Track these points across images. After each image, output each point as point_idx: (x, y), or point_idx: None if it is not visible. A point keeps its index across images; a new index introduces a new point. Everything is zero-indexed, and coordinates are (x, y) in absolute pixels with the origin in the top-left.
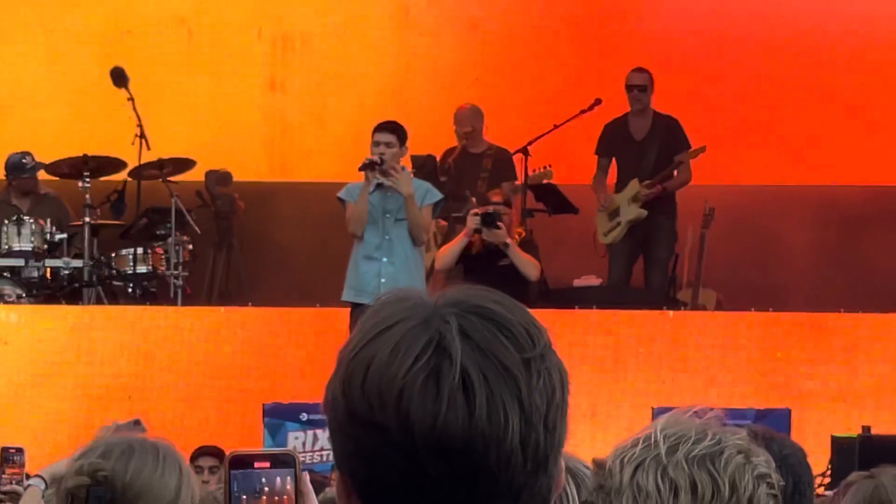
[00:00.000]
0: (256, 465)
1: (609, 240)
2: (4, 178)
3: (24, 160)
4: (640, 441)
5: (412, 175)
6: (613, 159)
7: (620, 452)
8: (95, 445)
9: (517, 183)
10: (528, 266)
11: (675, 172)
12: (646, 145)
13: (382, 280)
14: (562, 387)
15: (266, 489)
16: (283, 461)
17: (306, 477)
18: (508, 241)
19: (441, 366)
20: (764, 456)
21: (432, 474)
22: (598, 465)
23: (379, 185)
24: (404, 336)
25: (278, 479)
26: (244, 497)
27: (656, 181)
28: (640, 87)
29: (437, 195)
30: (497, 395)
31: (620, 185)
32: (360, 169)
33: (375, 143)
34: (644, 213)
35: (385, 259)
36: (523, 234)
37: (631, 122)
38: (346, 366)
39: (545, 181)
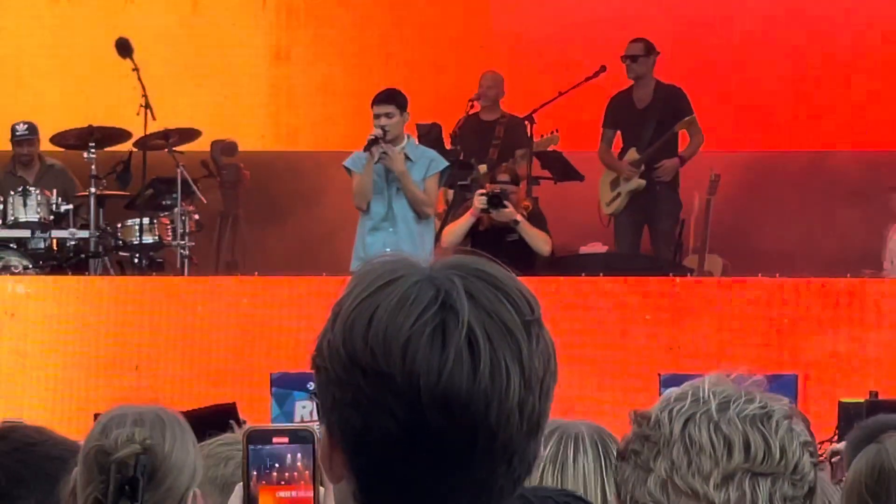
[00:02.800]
0: (275, 440)
1: (611, 210)
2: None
3: (17, 126)
4: (689, 396)
5: (417, 143)
6: (619, 132)
7: (666, 405)
8: (122, 413)
9: (527, 150)
10: (539, 241)
11: (688, 137)
12: (647, 114)
13: (388, 250)
14: (554, 357)
15: (283, 464)
16: (302, 437)
17: None
18: (518, 217)
19: (447, 321)
20: (803, 424)
21: (432, 427)
22: (643, 416)
23: (383, 154)
24: (409, 289)
25: (296, 455)
26: (259, 472)
27: (651, 152)
28: (631, 56)
29: (443, 163)
30: (500, 354)
31: (621, 155)
32: (365, 149)
33: (376, 116)
34: (643, 182)
35: (391, 229)
36: (530, 208)
37: (634, 92)
38: (347, 315)
39: (551, 147)
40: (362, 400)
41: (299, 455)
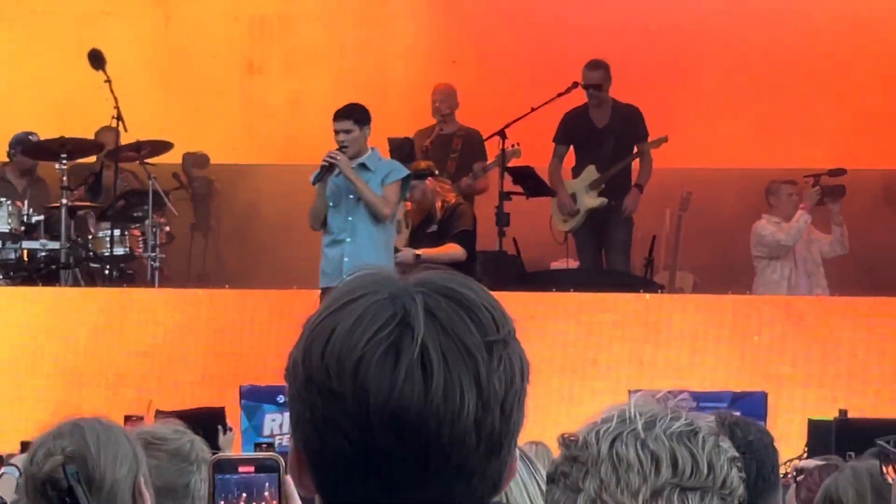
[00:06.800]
0: (241, 469)
1: (567, 227)
2: (7, 155)
3: (30, 136)
4: (615, 417)
5: (381, 156)
6: (571, 148)
7: (593, 426)
8: (42, 436)
9: (487, 163)
10: (451, 256)
11: (639, 163)
12: (605, 133)
13: (346, 259)
14: (521, 375)
15: (251, 495)
16: (268, 466)
17: (290, 481)
18: (417, 253)
19: (402, 340)
20: (728, 443)
21: (384, 447)
22: (570, 438)
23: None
24: (369, 308)
25: (264, 485)
26: (227, 502)
27: (611, 174)
28: (594, 86)
29: (402, 171)
30: (455, 374)
31: (578, 172)
32: (315, 181)
33: (336, 132)
34: (605, 201)
35: (349, 239)
36: (452, 201)
37: (592, 110)
38: (309, 333)
39: (514, 160)
40: (318, 419)
41: (266, 484)
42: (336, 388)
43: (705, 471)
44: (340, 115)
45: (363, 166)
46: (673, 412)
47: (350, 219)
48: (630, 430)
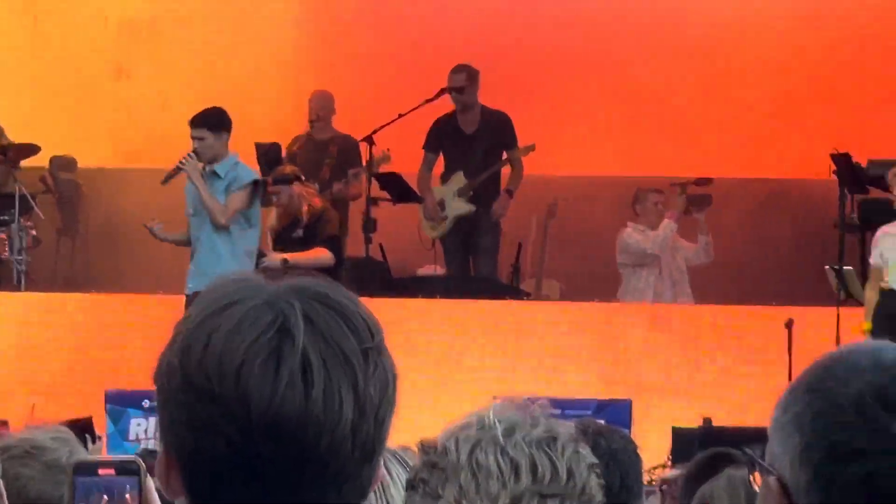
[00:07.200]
0: (101, 471)
1: (436, 233)
2: None
3: None
4: (474, 423)
5: (237, 161)
6: (441, 155)
7: (452, 433)
8: None
9: (359, 169)
10: (319, 261)
11: (509, 169)
12: (475, 140)
13: (191, 268)
14: (393, 384)
15: (111, 498)
16: (129, 469)
17: (151, 484)
18: (284, 257)
19: (283, 346)
20: (587, 450)
21: (262, 453)
22: (429, 444)
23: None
24: (248, 312)
25: (122, 487)
26: None
27: (480, 180)
28: (456, 89)
29: (247, 178)
30: (335, 381)
31: (446, 178)
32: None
33: (192, 139)
34: (472, 207)
35: (198, 248)
36: (318, 206)
37: (460, 117)
38: (185, 336)
39: (384, 166)
40: (196, 422)
41: (127, 486)
42: (217, 393)
43: (564, 477)
44: (194, 122)
45: (214, 173)
46: (532, 419)
47: (202, 226)
48: (489, 437)
